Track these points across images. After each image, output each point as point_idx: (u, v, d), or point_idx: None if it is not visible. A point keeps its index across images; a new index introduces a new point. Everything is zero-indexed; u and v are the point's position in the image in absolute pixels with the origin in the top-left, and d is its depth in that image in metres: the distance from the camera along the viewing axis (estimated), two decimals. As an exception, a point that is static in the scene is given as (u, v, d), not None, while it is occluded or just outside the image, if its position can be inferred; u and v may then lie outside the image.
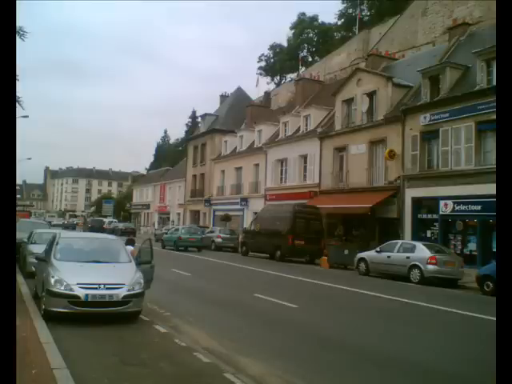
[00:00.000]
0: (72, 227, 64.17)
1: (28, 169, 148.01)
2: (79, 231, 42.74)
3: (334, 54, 49.14)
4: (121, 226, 52.18)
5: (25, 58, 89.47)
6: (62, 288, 8.02)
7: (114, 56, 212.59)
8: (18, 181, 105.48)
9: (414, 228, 23.47)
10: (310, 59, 64.16)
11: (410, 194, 23.78)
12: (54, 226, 51.12)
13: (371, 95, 27.13)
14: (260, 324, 9.47)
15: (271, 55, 71.53)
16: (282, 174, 35.38)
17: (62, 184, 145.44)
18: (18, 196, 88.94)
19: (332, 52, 50.31)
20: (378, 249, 20.12)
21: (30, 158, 63.48)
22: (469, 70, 22.84)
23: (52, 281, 8.14)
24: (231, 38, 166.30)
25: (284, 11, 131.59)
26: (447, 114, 22.16)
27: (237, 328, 9.10)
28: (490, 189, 16.75)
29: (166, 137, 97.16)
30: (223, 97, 55.13)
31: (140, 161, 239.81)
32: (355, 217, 26.60)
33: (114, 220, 60.85)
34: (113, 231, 43.54)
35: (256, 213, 32.60)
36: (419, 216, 23.51)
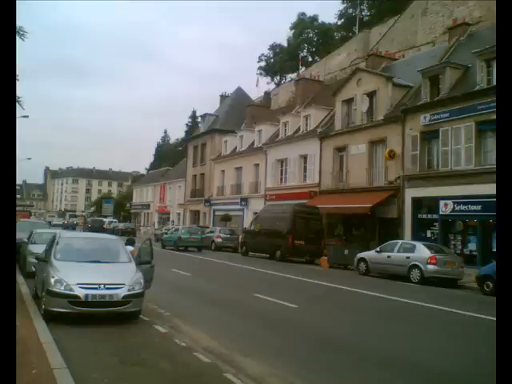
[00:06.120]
0: (72, 227, 64.24)
1: (28, 169, 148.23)
2: (79, 231, 42.75)
3: (333, 54, 49.14)
4: (121, 225, 52.19)
5: (25, 58, 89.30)
6: (62, 288, 8.01)
7: (114, 56, 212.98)
8: (18, 181, 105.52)
9: (414, 228, 23.47)
10: (310, 59, 64.14)
11: (410, 193, 23.78)
12: (54, 225, 51.32)
13: (371, 95, 27.12)
14: (260, 324, 9.46)
15: (271, 55, 71.56)
16: (282, 174, 35.37)
17: (62, 184, 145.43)
18: (18, 196, 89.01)
19: (332, 52, 50.31)
20: (378, 249, 20.12)
21: (29, 158, 63.69)
22: (469, 70, 22.83)
23: (52, 281, 8.13)
24: (231, 38, 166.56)
25: (284, 11, 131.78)
26: (447, 114, 22.16)
27: (237, 328, 9.10)
28: (490, 189, 16.74)
29: (166, 137, 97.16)
30: (223, 97, 55.12)
31: (140, 161, 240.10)
32: (355, 217, 26.60)
33: (114, 220, 60.86)
34: (113, 231, 43.56)
35: (256, 213, 32.59)
36: (419, 216, 23.50)
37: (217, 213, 44.21)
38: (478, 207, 20.40)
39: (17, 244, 12.36)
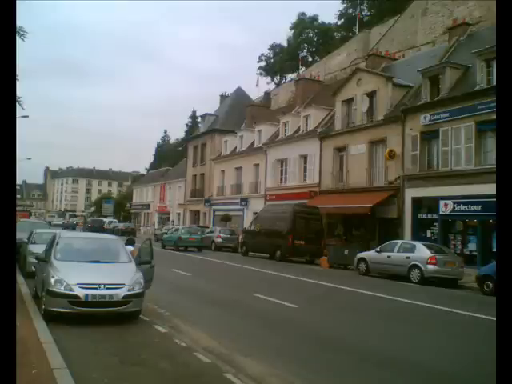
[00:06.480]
0: (72, 227, 64.23)
1: (28, 169, 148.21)
2: (79, 231, 42.75)
3: (333, 54, 49.14)
4: (121, 225, 52.18)
5: (25, 58, 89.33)
6: (62, 288, 8.01)
7: (114, 56, 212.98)
8: (18, 181, 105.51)
9: (414, 228, 23.47)
10: (310, 59, 64.14)
11: (410, 193, 23.77)
12: (54, 225, 51.32)
13: (371, 95, 27.12)
14: (260, 324, 9.46)
15: (271, 55, 71.55)
16: (282, 174, 35.38)
17: (62, 184, 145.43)
18: (18, 196, 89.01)
19: (332, 52, 50.31)
20: (378, 249, 20.11)
21: (29, 158, 63.71)
22: (469, 70, 22.83)
23: (52, 281, 8.13)
24: (231, 38, 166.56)
25: (284, 11, 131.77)
26: (447, 114, 22.15)
27: (237, 328, 9.10)
28: (490, 189, 16.74)
29: (166, 137, 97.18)
30: (223, 97, 55.12)
31: (140, 161, 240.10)
32: (355, 217, 26.60)
33: (114, 220, 60.85)
34: (113, 231, 43.55)
35: (256, 213, 32.59)
36: (419, 216, 23.50)
37: (217, 213, 44.20)
38: (478, 207, 20.39)
39: (17, 244, 12.36)
